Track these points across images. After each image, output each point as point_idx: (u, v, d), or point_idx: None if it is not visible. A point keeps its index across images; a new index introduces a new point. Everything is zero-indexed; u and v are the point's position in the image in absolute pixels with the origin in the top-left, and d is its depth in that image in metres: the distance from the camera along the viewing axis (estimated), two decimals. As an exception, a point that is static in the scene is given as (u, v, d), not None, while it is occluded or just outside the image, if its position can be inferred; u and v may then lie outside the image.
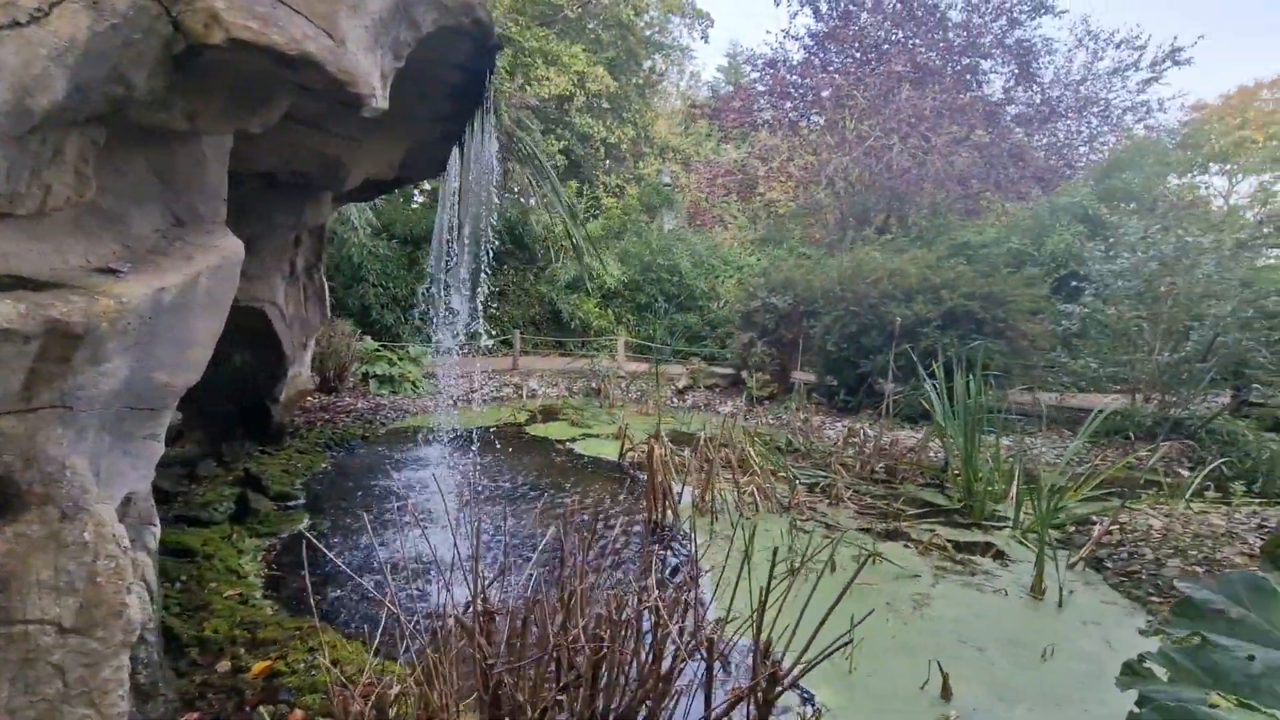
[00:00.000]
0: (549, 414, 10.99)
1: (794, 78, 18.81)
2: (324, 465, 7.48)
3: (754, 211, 23.00)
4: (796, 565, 5.18)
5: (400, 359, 12.06)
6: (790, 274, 11.73)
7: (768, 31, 47.11)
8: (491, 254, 7.31)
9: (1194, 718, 1.49)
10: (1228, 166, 26.11)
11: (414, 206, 16.54)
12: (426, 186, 16.74)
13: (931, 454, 8.57)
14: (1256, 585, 1.69)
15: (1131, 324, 9.79)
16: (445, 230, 6.30)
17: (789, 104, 19.25)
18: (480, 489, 7.24)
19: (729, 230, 22.62)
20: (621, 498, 6.98)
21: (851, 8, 18.25)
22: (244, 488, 6.12)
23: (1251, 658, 1.56)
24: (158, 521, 3.24)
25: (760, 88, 19.49)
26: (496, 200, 7.29)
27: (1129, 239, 10.49)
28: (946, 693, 3.65)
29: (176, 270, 2.79)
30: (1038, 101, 17.91)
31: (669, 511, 6.20)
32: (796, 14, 18.73)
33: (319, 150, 4.82)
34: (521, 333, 15.41)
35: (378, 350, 11.85)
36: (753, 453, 7.80)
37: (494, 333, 15.56)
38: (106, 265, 2.59)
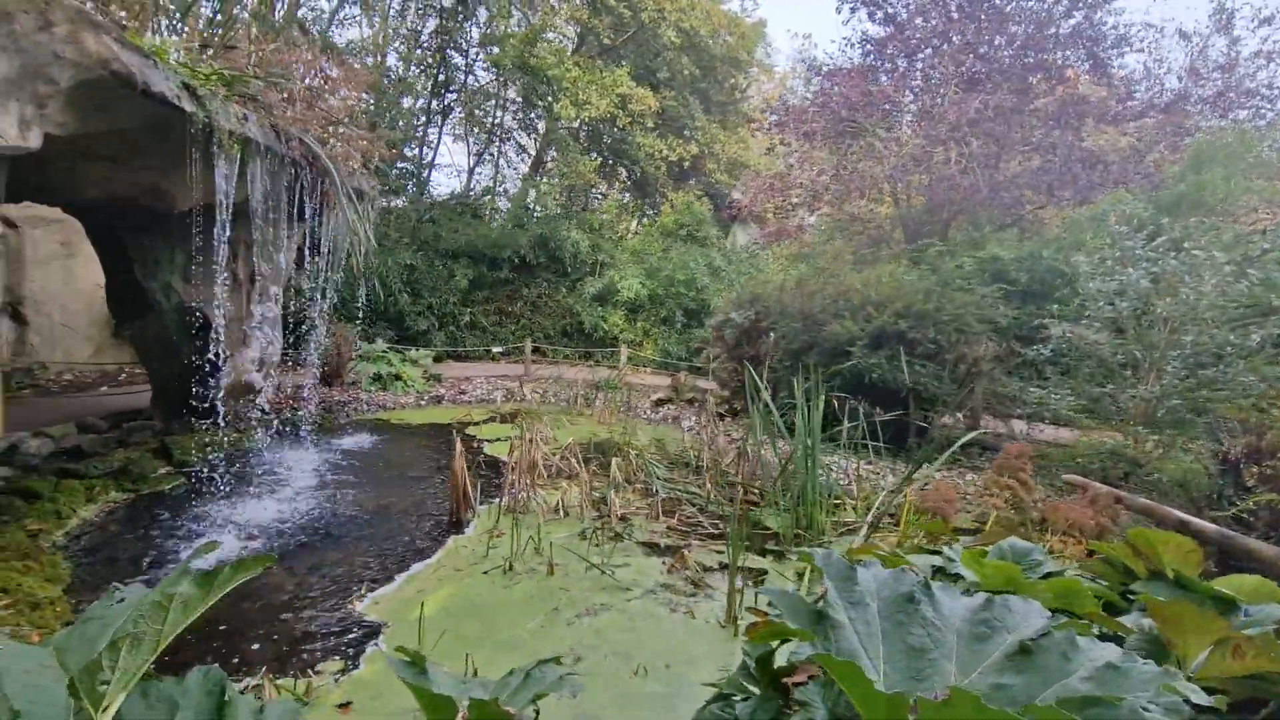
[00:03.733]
0: (510, 416, 11.66)
1: (848, 87, 18.03)
2: (248, 444, 8.76)
3: (837, 224, 22.19)
4: (512, 564, 5.47)
5: (402, 361, 13.41)
6: (758, 289, 11.42)
7: (831, 41, 46.25)
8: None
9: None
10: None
11: (455, 224, 18.13)
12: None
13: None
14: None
15: (1109, 350, 8.49)
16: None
17: (846, 113, 18.49)
18: (358, 474, 8.10)
19: (803, 243, 21.97)
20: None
21: (906, 11, 17.16)
22: (151, 454, 7.47)
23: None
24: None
25: (808, 99, 18.84)
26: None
27: (1135, 253, 9.08)
28: (476, 684, 3.77)
29: None
30: (1127, 96, 15.55)
31: (469, 510, 6.61)
32: (849, 20, 17.99)
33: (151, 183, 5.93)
34: (534, 341, 16.29)
35: (382, 352, 13.29)
36: (616, 465, 7.95)
37: (511, 340, 16.60)
38: None
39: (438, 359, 15.67)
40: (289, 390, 11.41)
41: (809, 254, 17.07)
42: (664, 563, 5.73)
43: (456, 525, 6.39)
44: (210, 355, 8.73)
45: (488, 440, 10.06)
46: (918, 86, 17.27)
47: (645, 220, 23.55)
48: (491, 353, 16.38)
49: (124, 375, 12.89)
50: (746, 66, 24.69)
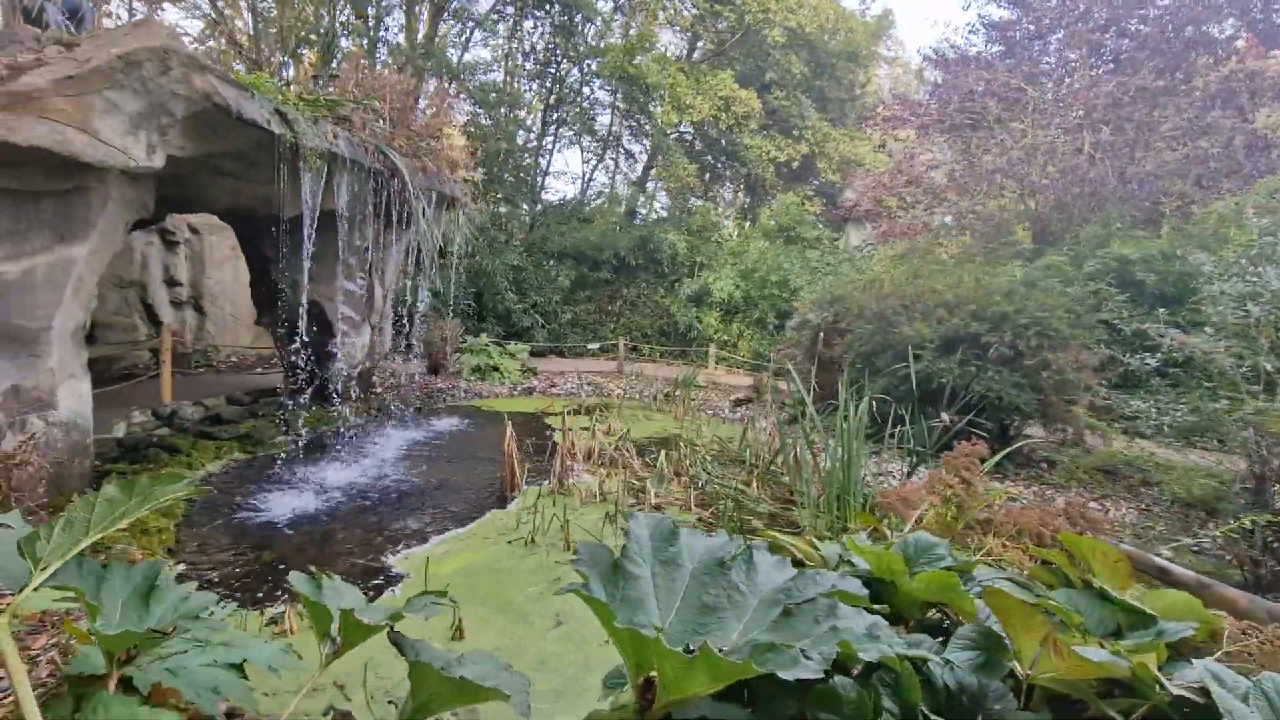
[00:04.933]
0: (589, 409, 12.25)
1: (970, 76, 16.89)
2: (353, 421, 9.98)
3: (957, 222, 20.92)
4: (534, 538, 5.94)
5: (501, 354, 14.47)
6: (838, 290, 11.10)
7: (951, 28, 42.16)
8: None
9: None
10: None
11: (562, 227, 19.13)
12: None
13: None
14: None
15: (1231, 362, 7.48)
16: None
17: (967, 103, 17.34)
18: (436, 451, 9.00)
19: (914, 243, 20.89)
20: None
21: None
22: (273, 424, 8.81)
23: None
24: (57, 405, 5.61)
25: (926, 92, 17.79)
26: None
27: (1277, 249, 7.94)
28: (459, 634, 4.26)
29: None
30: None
31: (514, 488, 7.19)
32: (969, 4, 16.82)
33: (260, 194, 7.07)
34: (630, 340, 16.81)
35: (484, 345, 14.43)
36: (664, 457, 8.21)
37: (610, 338, 17.22)
38: (-17, 260, 4.92)
39: (538, 354, 16.69)
40: (397, 376, 12.78)
41: (912, 253, 16.18)
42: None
43: (501, 501, 6.99)
44: (327, 343, 10.08)
45: (561, 430, 10.66)
46: (1047, 72, 15.81)
47: (748, 222, 23.39)
48: (588, 349, 17.15)
49: (274, 359, 15.04)
50: (866, 62, 23.75)
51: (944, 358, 8.37)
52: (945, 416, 6.76)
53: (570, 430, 9.82)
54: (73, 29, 6.04)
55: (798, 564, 2.77)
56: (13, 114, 4.44)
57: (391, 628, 2.45)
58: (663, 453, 8.28)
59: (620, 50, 17.95)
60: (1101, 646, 2.27)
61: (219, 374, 13.47)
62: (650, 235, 18.20)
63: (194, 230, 14.20)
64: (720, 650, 1.91)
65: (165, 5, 15.15)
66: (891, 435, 7.43)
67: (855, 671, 2.00)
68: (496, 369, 14.04)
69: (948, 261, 13.51)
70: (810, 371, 11.55)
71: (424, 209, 7.88)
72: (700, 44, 21.15)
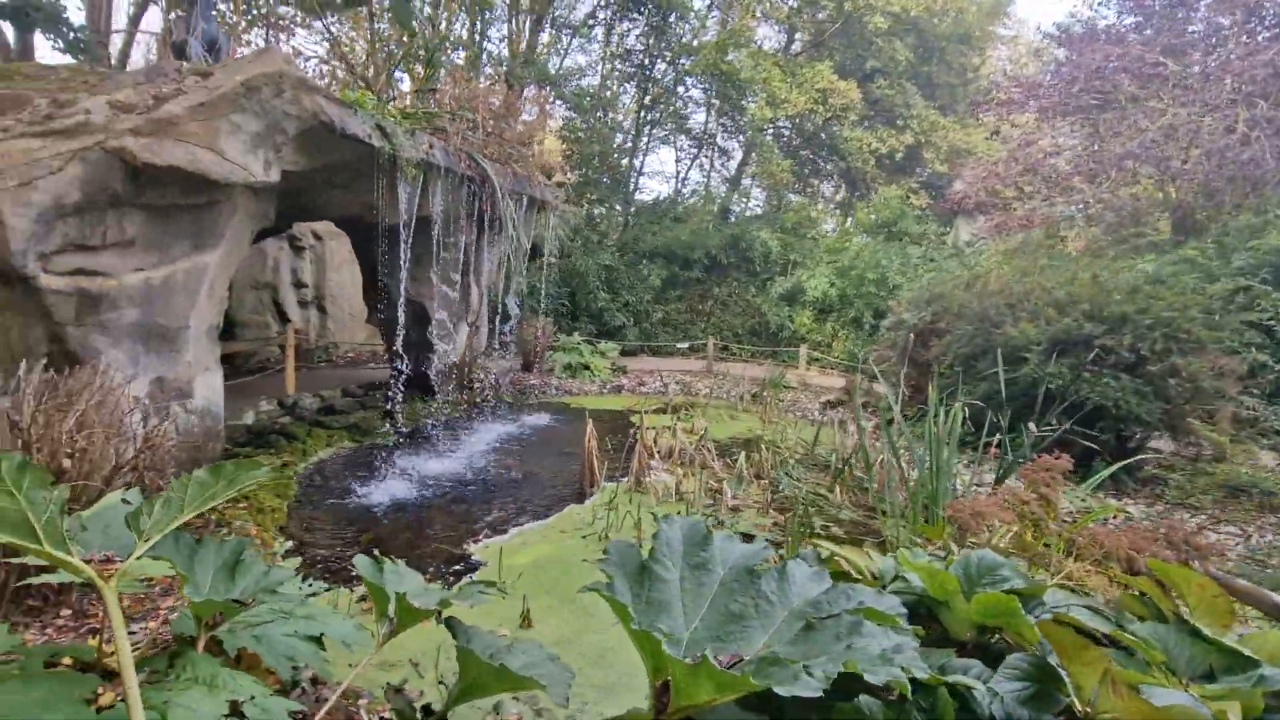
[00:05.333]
0: (675, 408, 12.29)
1: (1098, 52, 15.39)
2: (451, 414, 10.57)
3: (1097, 212, 19.27)
4: (607, 534, 6.05)
5: (592, 352, 14.80)
6: (937, 288, 10.47)
7: (1081, 2, 37.26)
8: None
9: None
10: None
11: (654, 227, 19.22)
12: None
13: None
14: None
15: None
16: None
17: (1095, 82, 15.86)
18: (524, 445, 9.35)
19: (1032, 237, 19.42)
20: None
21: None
22: (379, 416, 9.51)
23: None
24: (194, 394, 6.33)
25: (1048, 72, 16.33)
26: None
27: None
28: (528, 623, 4.44)
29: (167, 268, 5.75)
30: None
31: (593, 485, 7.36)
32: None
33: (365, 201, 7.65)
34: (721, 339, 16.66)
35: (576, 344, 14.82)
36: (744, 459, 8.10)
37: (700, 337, 17.16)
38: (135, 266, 5.65)
39: (628, 353, 16.93)
40: (492, 373, 13.39)
41: (1026, 248, 14.98)
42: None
43: (579, 496, 7.17)
44: (429, 341, 10.73)
45: (640, 428, 10.77)
46: (1193, 42, 14.12)
47: (847, 218, 22.51)
48: (678, 348, 17.20)
49: (385, 355, 16.20)
50: (980, 43, 22.21)
51: (1051, 361, 7.71)
52: (1032, 427, 6.23)
53: (651, 429, 9.92)
54: (209, 59, 6.81)
55: (844, 577, 2.68)
56: (155, 138, 5.06)
57: (440, 613, 2.60)
58: (742, 454, 8.18)
59: (713, 47, 17.82)
60: (1185, 689, 2.05)
61: (337, 368, 14.67)
62: (742, 233, 17.98)
63: (317, 236, 15.53)
64: (742, 660, 1.90)
65: (297, 31, 16.67)
66: (988, 444, 6.94)
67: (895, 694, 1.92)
68: (587, 367, 14.39)
69: (1069, 256, 12.41)
70: (904, 374, 11.03)
71: (514, 213, 8.21)
72: (798, 36, 20.59)
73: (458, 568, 5.27)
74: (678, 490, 7.30)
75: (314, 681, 3.35)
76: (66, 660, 2.74)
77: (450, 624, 2.58)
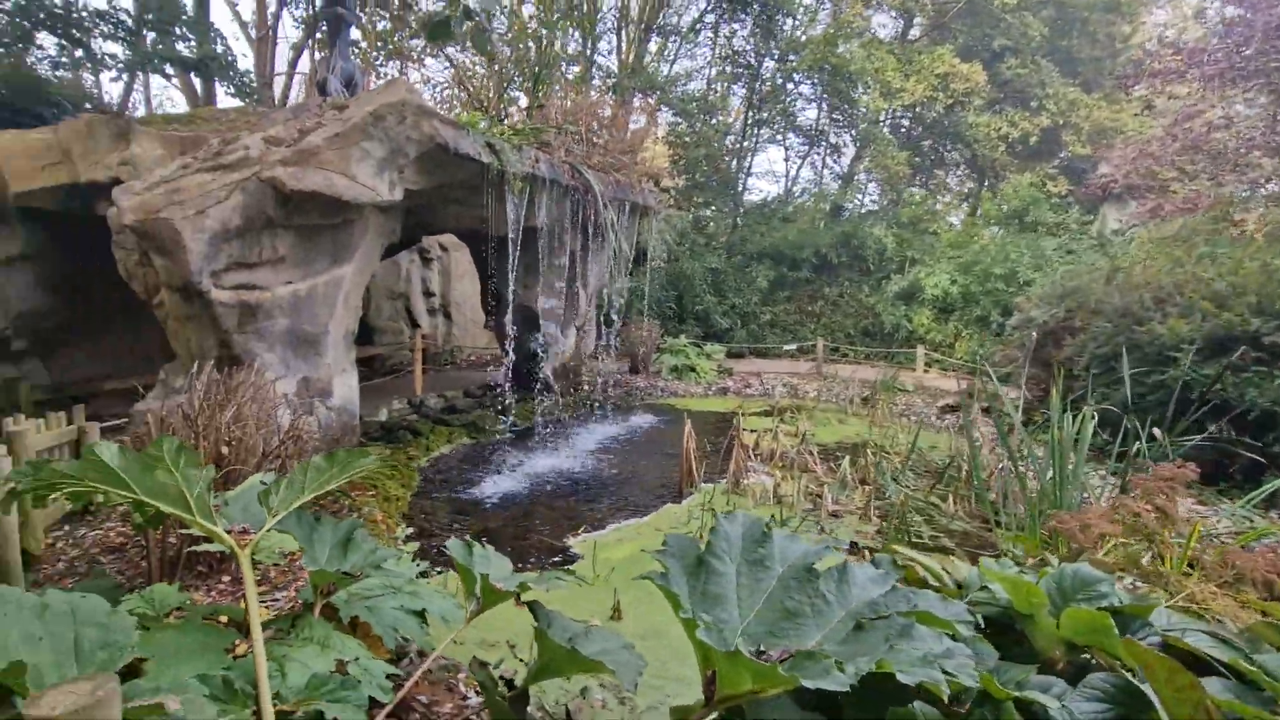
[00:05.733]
0: (781, 411, 12.09)
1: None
2: (560, 414, 11.04)
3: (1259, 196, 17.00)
4: (702, 534, 6.11)
5: (698, 354, 14.86)
6: (1071, 282, 9.52)
7: None
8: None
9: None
10: None
11: (762, 227, 18.88)
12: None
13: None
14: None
15: None
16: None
17: (1270, 44, 13.81)
18: (628, 445, 9.59)
19: (1195, 220, 17.26)
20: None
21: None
22: (495, 414, 10.13)
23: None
24: (333, 393, 7.09)
25: (1214, 36, 14.29)
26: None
27: None
28: (617, 615, 4.61)
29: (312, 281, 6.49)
30: None
31: (691, 485, 7.43)
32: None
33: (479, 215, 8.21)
34: (833, 341, 16.10)
35: (682, 346, 14.94)
36: (848, 464, 7.85)
37: (810, 338, 16.68)
38: (285, 280, 6.43)
39: (735, 355, 16.82)
40: (600, 375, 13.81)
41: (1182, 235, 13.24)
42: (850, 561, 5.67)
43: (677, 496, 7.27)
44: (539, 344, 11.29)
45: (738, 430, 10.69)
46: None
47: (973, 210, 20.99)
48: (785, 350, 16.85)
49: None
50: (1131, 9, 19.97)
51: (1207, 361, 6.82)
52: (1158, 433, 5.56)
53: (753, 431, 9.83)
54: (346, 94, 7.61)
55: (921, 584, 2.57)
56: (299, 166, 5.75)
57: (519, 595, 2.79)
58: (847, 459, 7.93)
59: (821, 41, 17.30)
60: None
61: (460, 371, 15.74)
62: (854, 231, 17.31)
63: (444, 248, 16.77)
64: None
65: (426, 60, 18.11)
66: (1123, 453, 6.27)
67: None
68: (693, 369, 14.48)
69: (1235, 242, 10.88)
70: (1032, 376, 10.17)
71: (616, 220, 8.48)
72: (917, 20, 19.52)
73: (556, 559, 5.55)
74: (776, 493, 7.21)
75: (420, 654, 3.69)
76: (223, 618, 3.20)
77: (532, 607, 2.76)
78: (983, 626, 2.45)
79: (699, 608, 2.06)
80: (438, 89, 17.17)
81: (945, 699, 1.49)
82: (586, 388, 12.83)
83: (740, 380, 14.71)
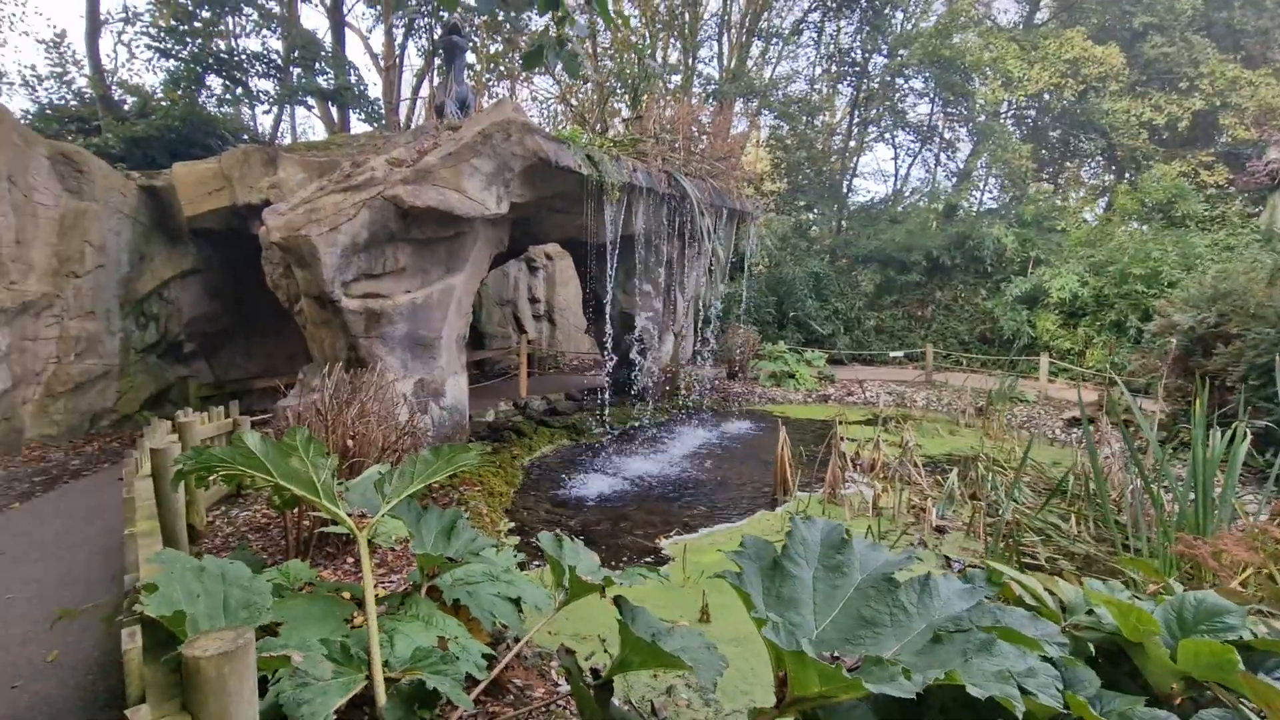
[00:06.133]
0: (885, 420, 11.60)
1: None
2: (658, 418, 11.19)
3: None
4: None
5: (797, 361, 14.55)
6: (1224, 284, 8.46)
7: None
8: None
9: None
10: None
11: (868, 230, 18.11)
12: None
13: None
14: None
15: None
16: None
17: None
18: (724, 450, 9.57)
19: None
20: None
21: None
22: (594, 417, 10.45)
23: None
24: (445, 394, 7.59)
25: None
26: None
27: None
28: (705, 618, 4.66)
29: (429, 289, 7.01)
30: None
31: (786, 493, 7.32)
32: None
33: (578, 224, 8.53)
34: (945, 347, 15.21)
35: (781, 352, 14.68)
36: (956, 477, 7.43)
37: (918, 345, 15.85)
38: (404, 289, 6.98)
39: (837, 361, 16.31)
40: (697, 380, 13.84)
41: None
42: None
43: (771, 503, 7.19)
44: (636, 349, 11.52)
45: (849, 439, 10.35)
46: None
47: (1111, 206, 19.13)
48: (891, 357, 16.13)
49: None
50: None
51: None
52: None
53: (853, 440, 9.51)
54: (460, 115, 8.17)
55: (1018, 604, 2.43)
56: (418, 185, 6.25)
57: (603, 589, 2.92)
58: (955, 471, 7.50)
59: (932, 33, 16.44)
60: None
61: (563, 374, 16.32)
62: (970, 231, 16.28)
63: (548, 257, 17.48)
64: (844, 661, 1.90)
65: (534, 80, 18.99)
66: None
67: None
68: (792, 376, 14.20)
69: None
70: (1174, 387, 9.19)
71: (713, 226, 8.52)
72: (1043, 4, 18.10)
73: (648, 559, 5.66)
74: (876, 505, 6.94)
75: (516, 640, 3.92)
76: (345, 594, 3.57)
77: (617, 601, 2.87)
78: (1092, 653, 2.29)
79: (773, 610, 2.08)
80: (544, 105, 17.94)
81: (1020, 717, 1.43)
82: (683, 393, 12.92)
83: (841, 388, 14.25)
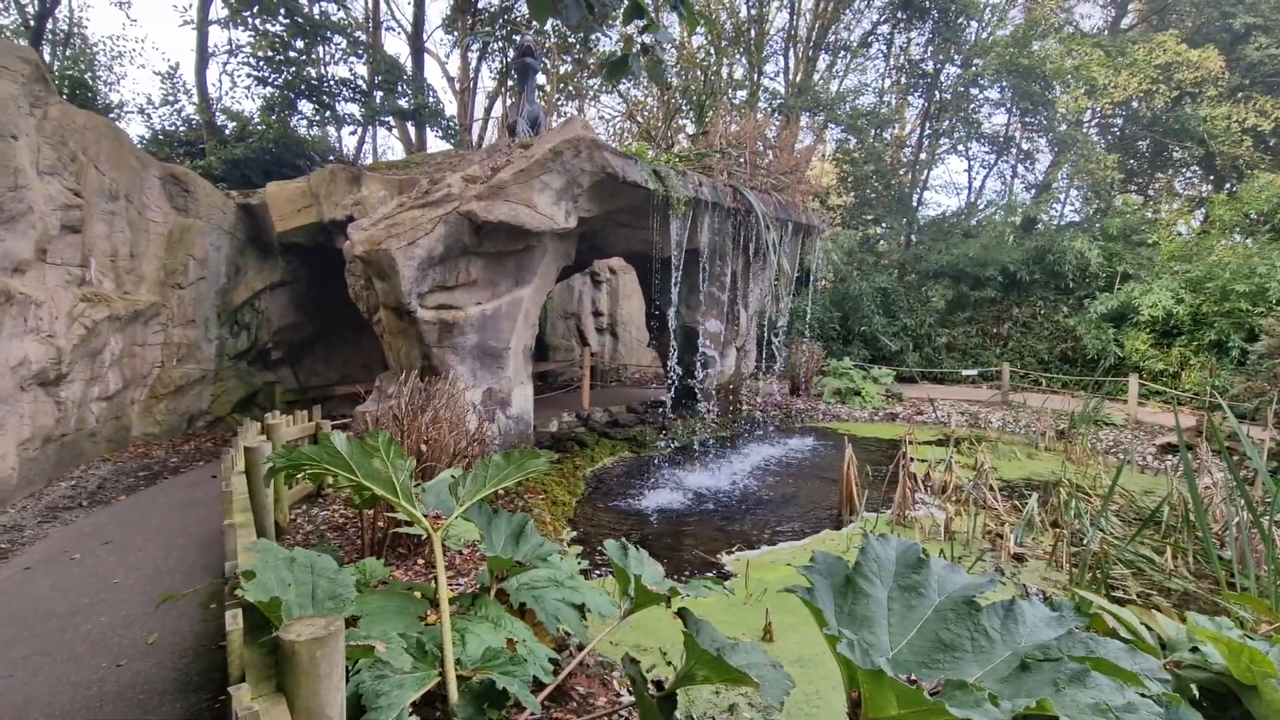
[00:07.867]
0: (957, 441, 11.14)
1: None
2: (720, 432, 11.11)
3: None
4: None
5: (864, 378, 14.16)
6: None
7: None
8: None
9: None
10: None
11: (939, 244, 17.46)
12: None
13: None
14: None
15: None
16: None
17: None
18: (787, 467, 9.40)
19: None
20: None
21: None
22: (655, 430, 10.47)
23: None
24: (511, 403, 7.77)
25: None
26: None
27: None
28: (769, 636, 4.58)
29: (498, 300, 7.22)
30: None
31: (851, 513, 7.11)
32: None
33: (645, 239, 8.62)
34: (1023, 367, 14.46)
35: (846, 369, 14.33)
36: (1035, 502, 7.05)
37: (993, 363, 15.14)
38: (475, 300, 7.22)
39: (905, 379, 15.79)
40: (760, 395, 13.66)
41: None
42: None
43: (837, 523, 7.00)
44: (699, 363, 11.50)
45: (919, 460, 9.98)
46: None
47: (1209, 218, 17.85)
48: (964, 375, 15.48)
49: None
50: None
51: None
52: None
53: (923, 460, 9.16)
54: (531, 134, 8.43)
55: (1110, 634, 2.28)
56: (490, 200, 6.48)
57: (668, 600, 2.91)
58: (1035, 497, 7.11)
59: (1009, 41, 15.83)
60: None
61: (624, 387, 16.44)
62: (1050, 245, 15.49)
63: (612, 271, 17.71)
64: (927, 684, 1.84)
65: (602, 98, 19.38)
66: None
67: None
68: (858, 393, 13.83)
69: None
70: (1290, 414, 8.48)
71: (778, 240, 8.45)
72: (1131, 7, 17.17)
73: (710, 574, 5.58)
74: (948, 529, 6.66)
75: (580, 647, 3.95)
76: (417, 593, 3.69)
77: (682, 613, 2.86)
78: (1196, 695, 2.13)
79: (845, 628, 2.03)
80: (611, 123, 18.28)
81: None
82: (746, 408, 12.78)
83: (910, 406, 13.77)
